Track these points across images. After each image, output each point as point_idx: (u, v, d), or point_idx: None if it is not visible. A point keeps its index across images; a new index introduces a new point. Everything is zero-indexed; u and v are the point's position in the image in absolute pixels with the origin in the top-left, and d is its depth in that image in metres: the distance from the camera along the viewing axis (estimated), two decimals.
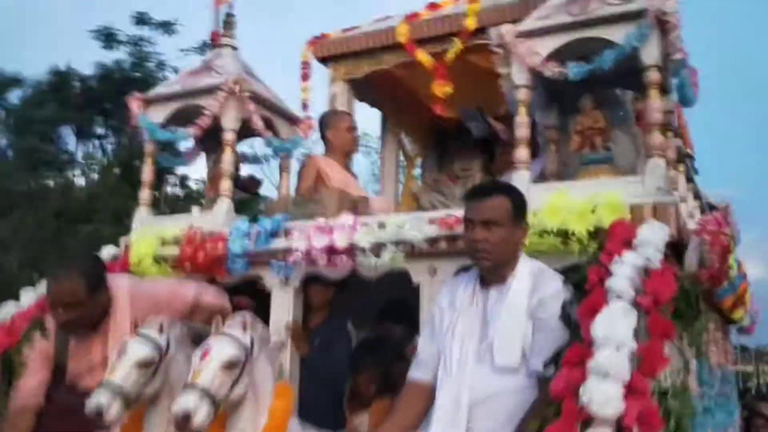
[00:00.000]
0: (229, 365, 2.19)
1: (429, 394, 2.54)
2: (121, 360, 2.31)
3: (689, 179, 3.88)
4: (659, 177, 2.87)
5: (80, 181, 12.51)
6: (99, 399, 2.22)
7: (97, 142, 13.49)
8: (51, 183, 12.01)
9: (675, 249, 2.85)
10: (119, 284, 2.91)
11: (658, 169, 2.89)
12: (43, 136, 12.75)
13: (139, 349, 2.34)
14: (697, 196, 4.07)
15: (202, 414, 2.06)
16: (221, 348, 2.20)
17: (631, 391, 1.81)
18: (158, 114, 3.90)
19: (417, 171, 5.75)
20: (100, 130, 13.28)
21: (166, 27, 12.26)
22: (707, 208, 4.54)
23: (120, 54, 12.47)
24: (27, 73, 13.81)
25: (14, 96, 14.23)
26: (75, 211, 10.76)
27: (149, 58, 12.41)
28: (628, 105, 3.58)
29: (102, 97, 12.59)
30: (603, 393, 1.77)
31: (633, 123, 3.53)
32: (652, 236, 2.49)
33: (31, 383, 2.82)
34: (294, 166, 4.29)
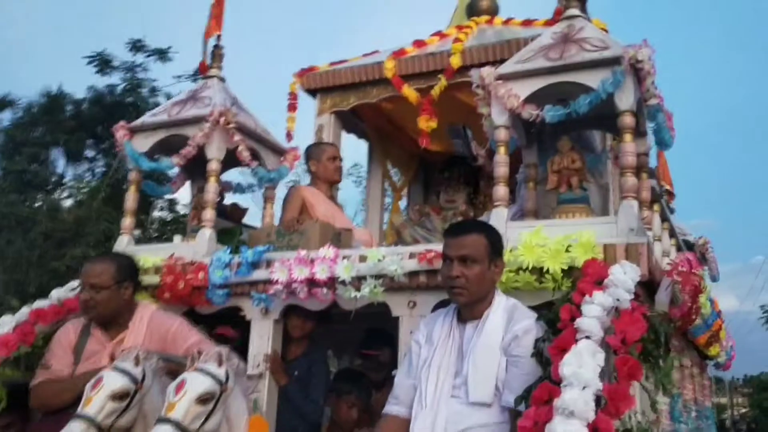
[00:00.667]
0: (204, 399, 2.22)
1: (405, 428, 2.57)
2: (96, 391, 2.33)
3: (664, 218, 3.96)
4: (632, 218, 2.94)
5: (68, 203, 12.51)
6: (73, 430, 2.23)
7: (86, 165, 13.53)
8: (40, 205, 12.02)
9: (647, 288, 2.92)
10: (146, 305, 3.21)
11: (630, 211, 2.96)
12: (34, 158, 12.77)
13: (114, 381, 2.36)
14: (672, 234, 4.15)
15: None
16: (196, 382, 2.23)
17: (595, 430, 1.85)
18: (143, 143, 3.95)
19: (402, 202, 5.81)
20: (90, 153, 13.34)
21: (161, 54, 12.37)
22: (683, 245, 4.63)
23: (114, 79, 12.57)
24: (19, 94, 13.88)
25: (4, 117, 14.29)
26: (63, 233, 10.77)
27: (143, 84, 12.49)
28: (599, 148, 3.67)
29: (93, 121, 12.64)
30: None
31: (604, 168, 3.62)
32: (623, 277, 2.55)
33: (60, 365, 2.99)
34: (280, 195, 4.33)
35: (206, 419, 2.22)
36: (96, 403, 2.30)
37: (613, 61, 3.06)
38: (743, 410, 26.10)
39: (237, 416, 2.39)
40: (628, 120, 3.04)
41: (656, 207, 3.72)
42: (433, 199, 5.65)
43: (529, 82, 3.24)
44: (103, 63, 11.86)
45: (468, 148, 5.00)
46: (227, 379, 2.32)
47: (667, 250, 3.83)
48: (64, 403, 2.43)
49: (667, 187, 5.52)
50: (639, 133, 3.36)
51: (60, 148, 12.84)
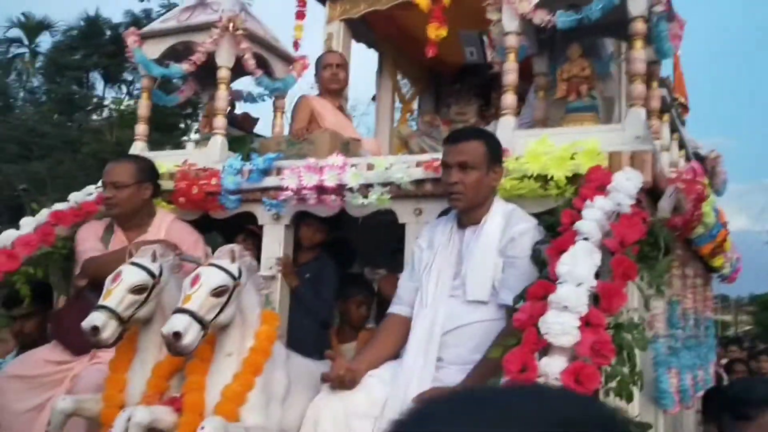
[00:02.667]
0: (218, 292, 2.34)
1: (407, 326, 2.71)
2: (115, 285, 2.46)
3: (675, 129, 3.95)
4: (638, 126, 2.96)
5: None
6: (94, 320, 2.37)
7: (125, 87, 13.66)
8: (85, 126, 12.22)
9: (652, 196, 2.97)
10: (165, 213, 3.41)
11: (637, 118, 2.97)
12: (76, 81, 12.93)
13: (133, 275, 2.48)
14: (682, 145, 4.16)
15: (191, 335, 2.21)
16: (210, 276, 2.34)
17: (587, 323, 1.95)
18: (154, 49, 3.95)
19: (412, 115, 5.80)
20: (128, 77, 13.44)
21: None
22: (694, 157, 4.64)
23: (151, 4, 12.55)
24: (56, 18, 13.88)
25: (43, 41, 14.30)
26: (107, 154, 11.02)
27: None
28: (609, 54, 3.63)
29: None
30: (560, 324, 1.92)
31: (612, 76, 3.60)
32: (625, 183, 2.60)
33: (89, 245, 3.21)
34: (288, 105, 4.35)
35: (220, 311, 2.34)
36: (116, 295, 2.43)
37: None
38: (747, 328, 26.58)
39: (249, 309, 2.51)
40: (639, 26, 3.01)
41: (666, 117, 3.71)
42: (443, 111, 5.62)
43: None
44: None
45: (483, 56, 4.95)
46: (240, 274, 2.43)
47: (675, 160, 3.85)
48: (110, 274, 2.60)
49: (682, 100, 5.46)
50: (650, 40, 3.32)
51: (99, 71, 12.97)
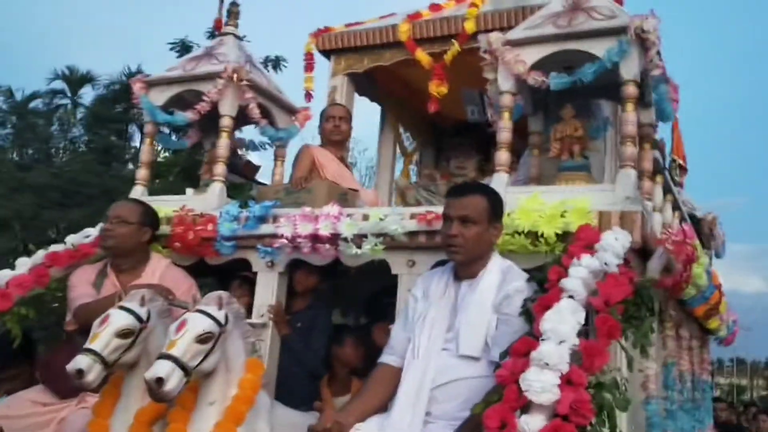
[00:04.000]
0: (203, 338, 2.35)
1: (397, 377, 2.69)
2: (102, 328, 2.47)
3: (668, 190, 3.99)
4: (628, 186, 3.00)
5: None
6: (79, 363, 2.38)
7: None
8: (121, 176, 12.65)
9: (641, 256, 2.99)
10: (159, 258, 3.47)
11: (627, 179, 3.02)
12: (117, 133, 13.43)
13: (120, 319, 2.50)
14: (676, 207, 4.19)
15: (173, 381, 2.22)
16: (196, 322, 2.35)
17: (568, 382, 1.95)
18: (159, 97, 4.05)
19: (412, 167, 5.88)
20: (165, 130, 14.06)
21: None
22: (690, 219, 4.66)
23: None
24: (99, 72, 14.57)
25: (85, 93, 14.93)
26: None
27: None
28: (605, 116, 3.70)
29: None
30: (541, 382, 1.92)
31: (607, 135, 3.66)
32: (613, 242, 2.62)
33: (81, 291, 3.23)
34: (290, 154, 4.43)
35: (204, 357, 2.35)
36: (102, 338, 2.44)
37: (620, 31, 3.08)
38: (763, 393, 26.09)
39: (235, 357, 2.51)
40: (631, 90, 3.07)
41: (659, 178, 3.75)
42: (443, 165, 5.69)
43: (536, 48, 3.27)
44: (184, 49, 12.40)
45: (483, 113, 5.03)
46: (226, 321, 2.44)
47: (669, 221, 3.86)
48: None
49: (680, 162, 5.51)
50: (645, 103, 3.39)
51: (137, 124, 13.47)
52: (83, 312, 3.11)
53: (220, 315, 2.42)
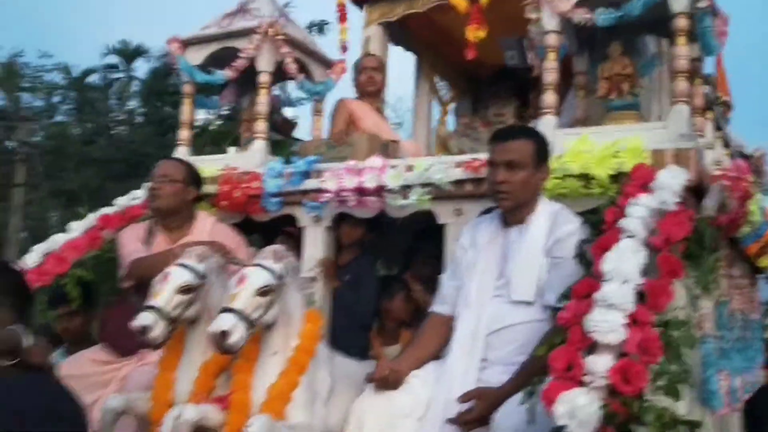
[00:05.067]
0: (263, 291, 2.37)
1: (449, 327, 2.71)
2: (164, 285, 2.51)
3: (719, 127, 3.88)
4: (682, 123, 2.92)
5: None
6: (144, 320, 2.43)
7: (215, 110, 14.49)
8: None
9: (696, 193, 2.92)
10: (205, 216, 3.48)
11: (681, 116, 2.94)
12: (173, 105, 13.67)
13: (180, 276, 2.54)
14: (726, 144, 4.08)
15: (237, 333, 2.26)
16: (256, 275, 2.38)
17: (634, 321, 1.93)
18: (196, 56, 4.03)
19: (450, 117, 5.80)
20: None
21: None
22: (737, 155, 4.54)
23: None
24: (151, 45, 14.85)
25: (138, 66, 15.33)
26: None
27: None
28: (652, 52, 3.59)
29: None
30: (607, 322, 1.90)
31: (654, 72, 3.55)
32: (670, 180, 2.57)
33: (133, 247, 3.27)
34: (327, 108, 4.39)
35: (265, 310, 2.38)
36: (164, 295, 2.48)
37: None
38: None
39: (293, 309, 2.54)
40: (681, 22, 2.97)
41: (710, 114, 3.65)
42: (481, 113, 5.59)
43: None
44: None
45: (523, 59, 4.92)
46: (284, 274, 2.47)
47: (719, 159, 3.77)
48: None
49: (725, 98, 5.34)
50: (693, 37, 3.27)
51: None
52: (139, 266, 3.15)
53: (277, 268, 2.44)
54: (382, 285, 3.69)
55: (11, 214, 12.93)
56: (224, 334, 2.23)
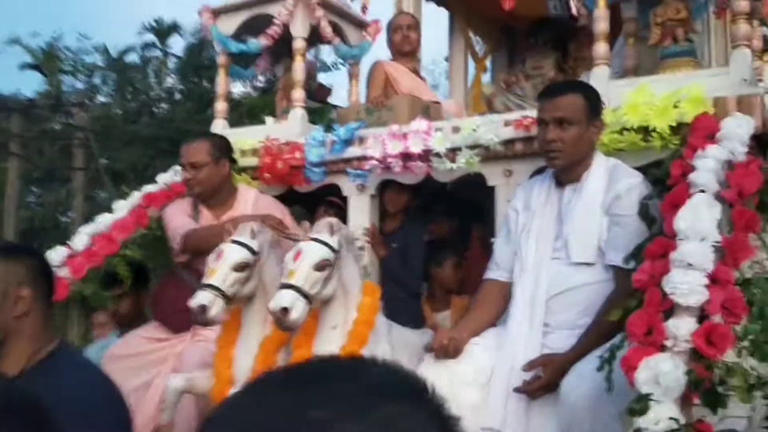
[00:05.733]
0: (320, 266, 2.33)
1: (506, 292, 2.64)
2: (218, 263, 2.48)
3: None
4: (744, 68, 2.77)
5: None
6: (201, 299, 2.41)
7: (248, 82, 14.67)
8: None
9: (761, 142, 2.78)
10: (247, 188, 3.44)
11: (743, 60, 2.79)
12: (210, 80, 13.93)
13: (235, 253, 2.50)
14: None
15: (298, 309, 2.22)
16: (312, 250, 2.33)
17: (714, 280, 1.84)
18: (229, 25, 3.94)
19: (486, 73, 5.64)
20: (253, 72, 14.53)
21: None
22: None
23: None
24: (183, 21, 15.14)
25: (174, 42, 15.61)
26: None
27: None
28: None
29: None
30: (687, 283, 1.81)
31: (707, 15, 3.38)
32: (737, 129, 2.44)
33: (183, 221, 3.25)
34: (363, 72, 4.28)
35: (324, 284, 2.34)
36: (220, 273, 2.45)
37: None
38: None
39: (350, 281, 2.50)
40: None
41: (766, 57, 3.48)
42: (519, 67, 5.43)
43: None
44: None
45: (567, 8, 4.74)
46: (340, 247, 2.41)
47: None
48: (215, 246, 2.61)
49: None
50: None
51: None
52: (194, 238, 3.13)
53: (333, 241, 2.38)
54: (429, 251, 3.62)
55: (73, 196, 13.36)
56: (285, 311, 2.19)
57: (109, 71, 15.69)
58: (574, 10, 4.11)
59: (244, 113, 10.92)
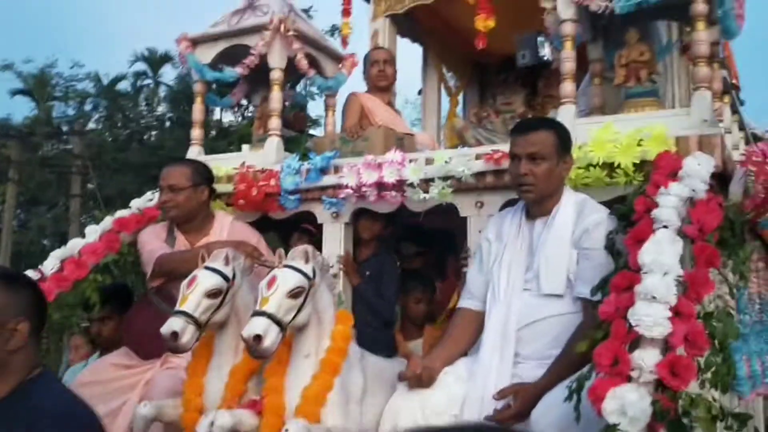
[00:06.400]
0: (294, 293, 2.34)
1: (478, 321, 2.68)
2: (191, 290, 2.48)
3: (734, 110, 3.86)
4: (705, 109, 2.90)
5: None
6: (173, 326, 2.40)
7: (238, 111, 14.89)
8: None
9: (720, 180, 2.90)
10: (224, 215, 3.45)
11: (704, 101, 2.91)
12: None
13: (208, 279, 2.51)
14: (741, 127, 4.06)
15: (271, 337, 2.23)
16: (286, 277, 2.35)
17: (677, 314, 1.91)
18: (206, 54, 3.99)
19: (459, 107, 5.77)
20: (243, 102, 14.78)
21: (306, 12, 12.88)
22: (752, 138, 4.52)
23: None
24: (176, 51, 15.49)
25: (166, 72, 15.88)
26: None
27: None
28: (666, 38, 3.56)
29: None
30: (651, 315, 1.88)
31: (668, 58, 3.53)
32: (698, 168, 2.54)
33: (157, 245, 3.24)
34: (339, 103, 4.36)
35: (297, 312, 2.35)
36: (192, 300, 2.45)
37: None
38: None
39: (324, 309, 2.51)
40: (700, 7, 2.94)
41: (726, 98, 3.63)
42: (489, 102, 5.59)
43: None
44: None
45: (536, 57, 4.93)
46: (314, 274, 2.44)
47: (736, 142, 3.76)
48: (189, 271, 2.62)
49: (734, 81, 5.33)
50: (710, 21, 3.24)
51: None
52: (167, 262, 3.13)
53: (308, 269, 2.41)
54: (403, 280, 3.67)
55: (59, 221, 13.41)
56: (258, 339, 2.20)
57: (100, 98, 15.93)
58: (548, 56, 4.25)
59: (234, 141, 11.06)
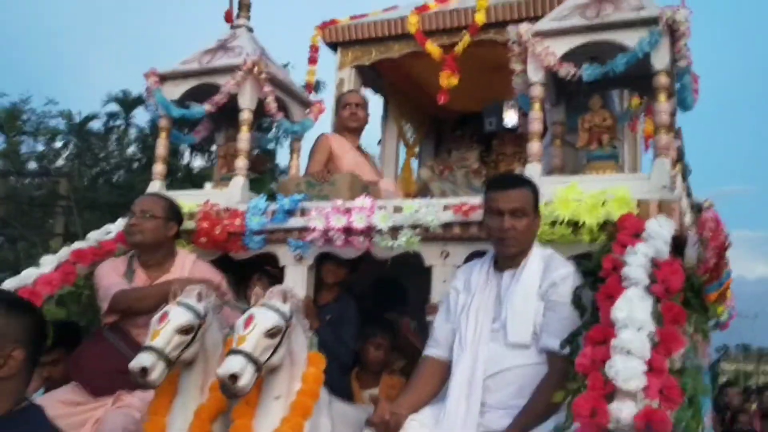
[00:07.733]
0: (272, 333, 2.31)
1: (444, 370, 2.70)
2: (162, 325, 2.42)
3: (684, 178, 4.08)
4: (664, 175, 3.06)
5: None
6: (143, 361, 2.33)
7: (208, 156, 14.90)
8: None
9: (676, 244, 3.04)
10: (186, 254, 3.39)
11: (663, 168, 3.08)
12: (173, 152, 14.14)
13: (180, 316, 2.45)
14: (689, 194, 4.28)
15: (247, 376, 2.18)
16: (264, 317, 2.32)
17: (651, 368, 1.98)
18: (174, 91, 3.97)
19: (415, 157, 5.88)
20: (213, 147, 15.04)
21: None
22: (695, 207, 4.75)
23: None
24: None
25: (137, 113, 16.34)
26: None
27: None
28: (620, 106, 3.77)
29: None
30: (628, 369, 1.95)
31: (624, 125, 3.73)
32: (660, 230, 2.68)
33: (114, 280, 3.15)
34: (305, 148, 4.39)
35: (273, 352, 2.32)
36: (163, 336, 2.39)
37: (650, 21, 3.14)
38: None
39: (299, 351, 2.49)
40: (663, 80, 3.13)
41: (678, 167, 3.82)
42: (444, 157, 5.72)
43: (566, 39, 3.30)
44: None
45: (500, 124, 5.14)
46: (292, 314, 2.42)
47: (684, 209, 3.95)
48: (147, 308, 2.53)
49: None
50: (669, 93, 3.45)
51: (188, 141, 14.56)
52: (124, 298, 3.04)
53: (285, 309, 2.39)
54: (362, 327, 3.66)
55: (29, 257, 13.27)
56: (234, 378, 2.16)
57: (71, 136, 15.87)
58: (511, 122, 4.42)
59: (199, 183, 11.31)
